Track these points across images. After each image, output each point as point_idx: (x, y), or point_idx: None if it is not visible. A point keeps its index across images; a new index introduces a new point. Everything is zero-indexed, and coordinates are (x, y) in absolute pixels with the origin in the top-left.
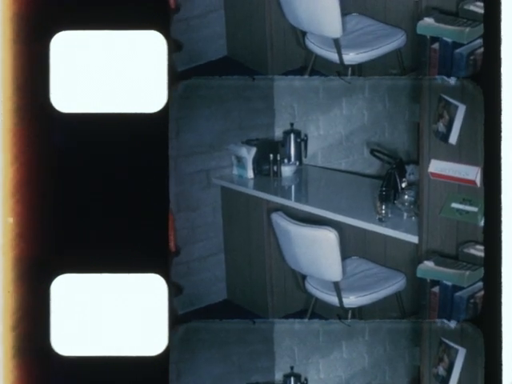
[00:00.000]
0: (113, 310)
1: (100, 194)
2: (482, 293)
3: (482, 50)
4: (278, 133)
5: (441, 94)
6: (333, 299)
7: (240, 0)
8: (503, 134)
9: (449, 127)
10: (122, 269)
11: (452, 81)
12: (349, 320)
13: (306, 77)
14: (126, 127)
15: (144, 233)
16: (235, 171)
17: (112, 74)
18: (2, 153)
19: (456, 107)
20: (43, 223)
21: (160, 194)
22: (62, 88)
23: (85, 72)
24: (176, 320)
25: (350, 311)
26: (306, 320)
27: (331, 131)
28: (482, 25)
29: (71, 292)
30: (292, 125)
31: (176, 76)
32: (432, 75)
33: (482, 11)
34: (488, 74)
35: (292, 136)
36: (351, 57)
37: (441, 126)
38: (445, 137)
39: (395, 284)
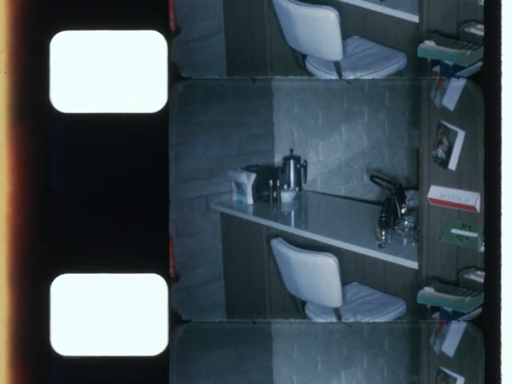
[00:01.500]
0: (113, 310)
1: (100, 194)
2: None
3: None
4: (278, 159)
5: (440, 120)
6: None
7: (240, 23)
8: (503, 135)
9: (448, 153)
10: (122, 269)
11: (454, 81)
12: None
13: (306, 77)
14: (126, 127)
15: (144, 233)
16: (235, 197)
17: (112, 74)
18: (1, 152)
19: (455, 133)
20: (43, 223)
21: (160, 194)
22: (62, 88)
23: (85, 72)
24: (176, 320)
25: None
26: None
27: (331, 157)
28: (483, 48)
29: (71, 292)
30: (292, 151)
31: (176, 76)
32: (432, 97)
33: (482, 33)
34: (488, 74)
35: (292, 162)
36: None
37: (440, 152)
38: (444, 163)
39: (395, 310)
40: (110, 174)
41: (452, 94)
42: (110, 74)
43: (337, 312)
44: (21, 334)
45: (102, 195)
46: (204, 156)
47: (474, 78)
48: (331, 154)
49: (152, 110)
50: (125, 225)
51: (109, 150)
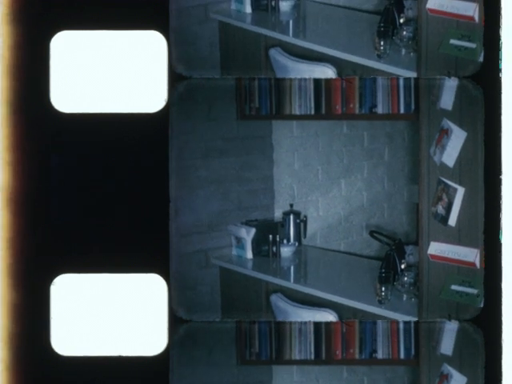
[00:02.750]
0: (113, 310)
1: (100, 194)
2: None
3: None
4: (278, 213)
5: (439, 177)
6: None
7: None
8: (503, 134)
9: (448, 210)
10: (122, 269)
11: (453, 81)
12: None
13: (306, 77)
14: (126, 127)
15: (144, 233)
16: (234, 252)
17: (112, 73)
18: (1, 152)
19: (455, 190)
20: (43, 223)
21: (160, 193)
22: (62, 88)
23: (85, 72)
24: (176, 320)
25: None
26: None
27: (330, 212)
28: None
29: (71, 292)
30: (291, 206)
31: (176, 76)
32: (432, 154)
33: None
34: (488, 74)
35: (291, 217)
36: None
37: (440, 209)
38: (444, 219)
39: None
40: (109, 174)
41: (451, 150)
42: (109, 73)
43: None
44: (21, 334)
45: (102, 195)
46: (204, 210)
47: (474, 78)
48: (331, 209)
49: (152, 110)
50: (125, 225)
51: (109, 150)
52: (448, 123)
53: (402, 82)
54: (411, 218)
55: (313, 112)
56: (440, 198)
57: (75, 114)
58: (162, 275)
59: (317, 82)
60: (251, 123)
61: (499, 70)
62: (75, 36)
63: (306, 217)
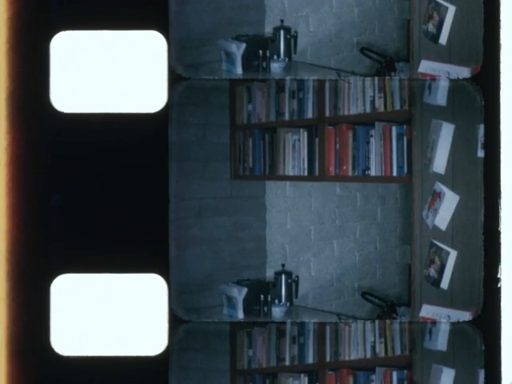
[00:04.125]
0: (113, 310)
1: (100, 194)
2: None
3: None
4: (270, 273)
5: (432, 240)
6: None
7: None
8: (502, 135)
9: (440, 272)
10: (122, 269)
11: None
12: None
13: (306, 77)
14: (126, 127)
15: (144, 233)
16: (225, 311)
17: (112, 73)
18: (1, 152)
19: (447, 253)
20: (43, 223)
21: (160, 193)
22: (62, 88)
23: (85, 72)
24: (176, 320)
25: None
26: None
27: (322, 272)
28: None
29: (71, 292)
30: (283, 266)
31: (176, 76)
32: (424, 217)
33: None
34: (488, 74)
35: (283, 277)
36: None
37: (432, 271)
38: (436, 282)
39: None
40: (109, 174)
41: (444, 213)
42: (109, 73)
43: None
44: (21, 334)
45: (102, 195)
46: (196, 269)
47: (474, 78)
48: (323, 269)
49: (152, 110)
50: (125, 225)
51: (109, 150)
52: (440, 186)
53: (395, 145)
54: (403, 279)
55: (306, 173)
56: (432, 261)
57: (75, 113)
58: (161, 275)
59: (310, 143)
60: (245, 183)
61: (499, 71)
62: (75, 36)
63: (297, 277)
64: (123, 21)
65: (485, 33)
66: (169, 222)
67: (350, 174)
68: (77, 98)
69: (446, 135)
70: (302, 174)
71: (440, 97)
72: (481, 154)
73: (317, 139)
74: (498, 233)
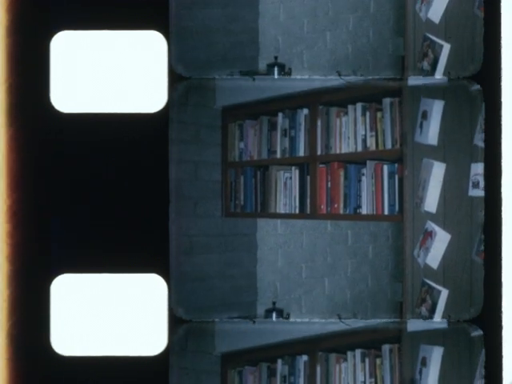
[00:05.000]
0: (113, 310)
1: (100, 194)
2: None
3: None
4: (261, 310)
5: (423, 279)
6: None
7: None
8: (503, 135)
9: (432, 311)
10: (122, 269)
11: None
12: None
13: (307, 77)
14: (126, 127)
15: (144, 233)
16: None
17: (112, 74)
18: (1, 152)
19: (439, 292)
20: (43, 223)
21: (160, 193)
22: (62, 88)
23: (85, 72)
24: (176, 320)
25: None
26: (306, 320)
27: (314, 309)
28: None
29: (71, 292)
30: (274, 303)
31: (176, 76)
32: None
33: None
34: (488, 74)
35: (274, 314)
36: None
37: (423, 310)
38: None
39: None
40: (109, 174)
41: (435, 252)
42: (109, 73)
43: None
44: (21, 334)
45: (102, 195)
46: (187, 305)
47: (474, 78)
48: (314, 307)
49: (152, 110)
50: (125, 225)
51: (109, 150)
52: (432, 225)
53: (386, 183)
54: (395, 317)
55: (297, 211)
56: (424, 300)
57: (75, 113)
58: (161, 275)
59: (302, 181)
60: (236, 220)
61: (499, 70)
62: (75, 36)
63: (288, 314)
64: (123, 21)
65: (485, 33)
66: (169, 221)
67: (341, 212)
68: (77, 98)
69: (437, 174)
70: (293, 211)
71: (431, 136)
72: (472, 192)
73: (308, 177)
74: (499, 232)
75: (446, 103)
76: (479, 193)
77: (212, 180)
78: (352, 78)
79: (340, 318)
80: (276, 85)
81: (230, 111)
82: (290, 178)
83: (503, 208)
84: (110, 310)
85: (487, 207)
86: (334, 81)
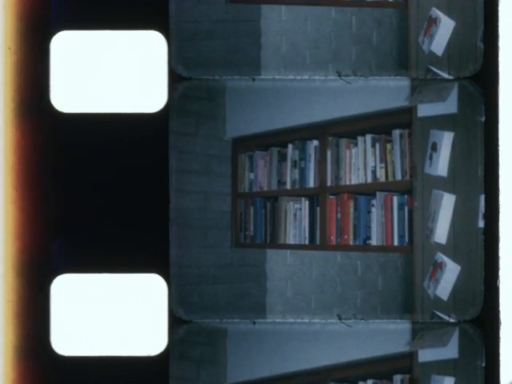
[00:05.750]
0: (113, 310)
1: (100, 194)
2: None
3: None
4: None
5: (434, 310)
6: None
7: None
8: (502, 134)
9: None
10: (122, 269)
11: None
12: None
13: (307, 77)
14: (126, 127)
15: (144, 233)
16: None
17: (112, 73)
18: (1, 153)
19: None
20: (43, 223)
21: (160, 194)
22: (62, 88)
23: (85, 72)
24: (176, 320)
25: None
26: (306, 320)
27: None
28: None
29: (71, 292)
30: None
31: (176, 76)
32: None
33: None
34: (488, 74)
35: None
36: None
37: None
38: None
39: None
40: (109, 174)
41: (445, 284)
42: (109, 73)
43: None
44: (21, 334)
45: (102, 195)
46: None
47: (474, 78)
48: None
49: (152, 110)
50: (125, 225)
51: (109, 150)
52: (442, 257)
53: (396, 214)
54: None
55: (307, 242)
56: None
57: (75, 113)
58: (161, 275)
59: (312, 212)
60: (246, 251)
61: (499, 70)
62: (75, 36)
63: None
64: (123, 21)
65: (485, 32)
66: (169, 222)
67: (351, 243)
68: (77, 98)
69: (447, 205)
70: (303, 242)
71: (441, 167)
72: (481, 224)
73: (318, 208)
74: (497, 232)
75: (455, 134)
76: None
77: (222, 211)
78: (352, 79)
79: (340, 319)
80: (277, 85)
81: (240, 142)
82: (300, 208)
83: (500, 209)
84: (110, 309)
85: (487, 211)
86: (336, 84)
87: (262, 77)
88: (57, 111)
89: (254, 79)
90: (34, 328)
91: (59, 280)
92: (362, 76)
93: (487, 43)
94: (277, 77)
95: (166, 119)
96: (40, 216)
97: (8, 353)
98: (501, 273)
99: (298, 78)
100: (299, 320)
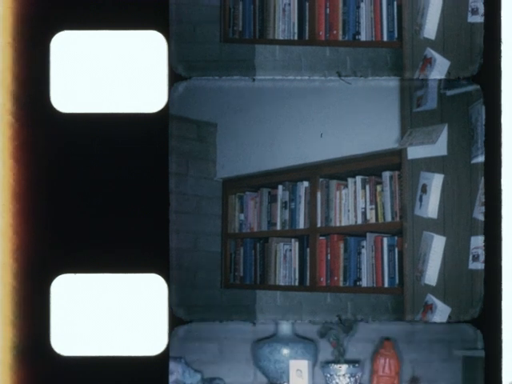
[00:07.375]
0: (113, 310)
1: (100, 194)
2: None
3: None
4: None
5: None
6: None
7: None
8: (503, 135)
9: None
10: (122, 269)
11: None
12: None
13: (307, 77)
14: (126, 127)
15: (144, 233)
16: None
17: (112, 73)
18: (1, 153)
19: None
20: (43, 223)
21: (160, 193)
22: (62, 88)
23: (85, 72)
24: (176, 320)
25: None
26: (306, 321)
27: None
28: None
29: (71, 292)
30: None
31: (176, 76)
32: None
33: None
34: (488, 74)
35: None
36: None
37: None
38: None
39: None
40: (109, 174)
41: None
42: (109, 73)
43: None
44: (21, 333)
45: (102, 195)
46: None
47: (473, 78)
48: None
49: (152, 110)
50: (125, 225)
51: (109, 150)
52: (432, 298)
53: (386, 256)
54: None
55: (297, 283)
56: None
57: (75, 113)
58: (161, 275)
59: (302, 253)
60: (235, 291)
61: (499, 70)
62: (75, 36)
63: None
64: (123, 21)
65: (485, 33)
66: (169, 222)
67: (341, 284)
68: (77, 98)
69: (437, 247)
70: (293, 283)
71: (431, 209)
72: (472, 266)
73: (308, 249)
74: (499, 231)
75: (445, 176)
76: (479, 266)
77: (212, 251)
78: (352, 79)
79: (340, 319)
80: (277, 86)
81: (231, 183)
82: (290, 249)
83: (502, 208)
84: (110, 309)
85: (487, 209)
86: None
87: (262, 78)
88: (57, 111)
89: (253, 80)
90: (34, 328)
91: (59, 280)
92: (361, 76)
93: (488, 42)
94: (277, 77)
95: (165, 119)
96: (39, 216)
97: (8, 353)
98: (503, 272)
99: (298, 78)
100: (299, 321)
